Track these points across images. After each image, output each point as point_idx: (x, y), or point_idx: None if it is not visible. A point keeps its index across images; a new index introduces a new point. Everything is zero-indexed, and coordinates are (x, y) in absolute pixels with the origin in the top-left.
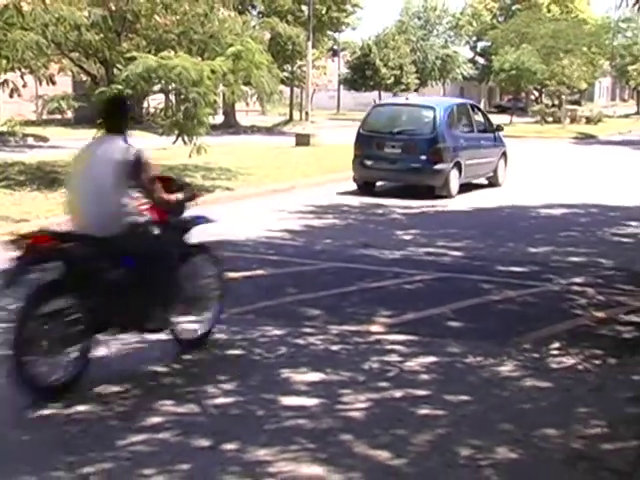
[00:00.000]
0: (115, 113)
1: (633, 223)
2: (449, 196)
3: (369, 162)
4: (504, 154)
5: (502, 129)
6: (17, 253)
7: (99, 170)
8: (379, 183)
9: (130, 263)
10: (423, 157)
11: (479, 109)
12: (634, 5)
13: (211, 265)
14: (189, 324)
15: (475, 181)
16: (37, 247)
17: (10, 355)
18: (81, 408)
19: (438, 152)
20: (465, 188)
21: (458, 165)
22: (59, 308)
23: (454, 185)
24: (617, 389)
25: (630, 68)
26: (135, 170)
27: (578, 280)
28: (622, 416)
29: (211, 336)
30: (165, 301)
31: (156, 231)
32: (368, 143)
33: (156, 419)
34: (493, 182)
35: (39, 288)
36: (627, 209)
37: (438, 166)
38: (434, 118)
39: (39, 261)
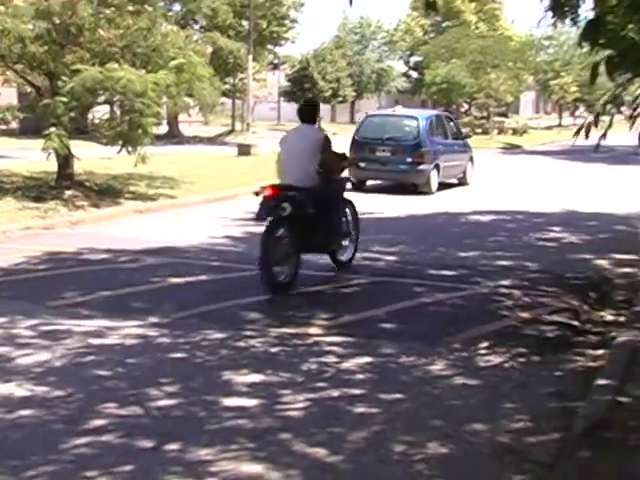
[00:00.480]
0: (311, 111)
1: (556, 228)
2: (430, 192)
3: (363, 164)
4: (471, 158)
5: (470, 137)
6: (261, 199)
7: (302, 146)
8: (369, 182)
9: (320, 206)
10: (409, 159)
11: (451, 120)
12: (552, 24)
13: (352, 214)
14: (343, 250)
15: (447, 180)
16: (273, 195)
17: (260, 262)
18: (25, 413)
19: (421, 155)
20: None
21: (437, 166)
22: (282, 234)
23: (434, 183)
24: (540, 385)
25: (552, 83)
26: (323, 146)
27: (505, 283)
28: (545, 411)
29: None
30: (338, 232)
31: (330, 186)
32: (362, 148)
33: (99, 422)
34: (462, 182)
35: (273, 221)
36: (550, 215)
37: (421, 167)
38: (417, 127)
39: (275, 204)
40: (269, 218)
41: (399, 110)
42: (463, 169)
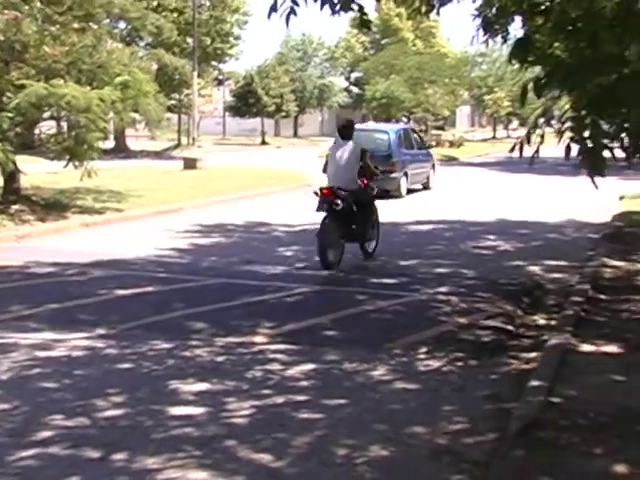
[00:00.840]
0: (348, 130)
1: (491, 236)
2: (400, 196)
3: None
4: (433, 166)
5: (432, 147)
6: (319, 197)
7: (345, 157)
8: None
9: (359, 205)
10: (382, 169)
11: (415, 132)
12: (484, 42)
13: (375, 217)
14: (370, 243)
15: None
16: (328, 194)
17: (318, 246)
18: None
19: (393, 165)
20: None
21: (406, 174)
22: (333, 226)
23: (404, 188)
24: (477, 388)
25: (486, 97)
26: (362, 156)
27: (443, 289)
28: (481, 412)
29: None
30: (372, 226)
31: (366, 191)
32: None
33: (46, 433)
34: (426, 186)
35: (327, 216)
36: (486, 224)
37: (393, 175)
38: (388, 139)
39: (330, 200)
40: (325, 212)
41: (371, 125)
42: (427, 175)
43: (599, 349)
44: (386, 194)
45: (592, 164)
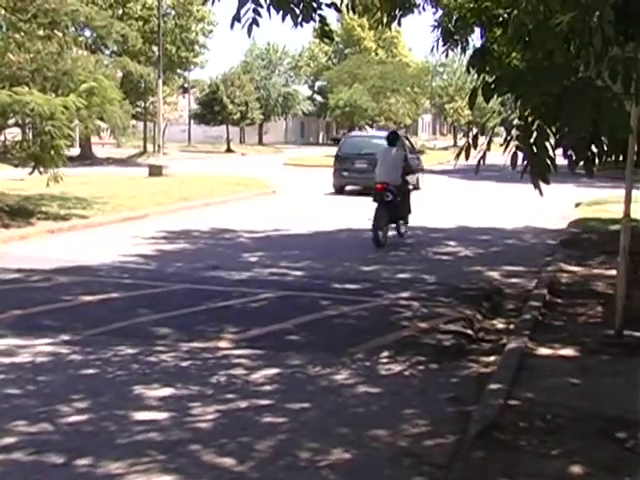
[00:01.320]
0: (393, 138)
1: (451, 243)
2: None
3: (345, 173)
4: (422, 169)
5: (422, 152)
6: (374, 191)
7: (392, 159)
8: (348, 187)
9: (401, 196)
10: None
11: (408, 138)
12: (444, 52)
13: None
14: (403, 226)
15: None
16: (381, 189)
17: (373, 228)
18: None
19: None
20: None
21: None
22: (384, 211)
23: None
24: (438, 391)
25: (447, 106)
26: (404, 158)
27: (405, 295)
28: (442, 415)
29: None
30: (408, 211)
31: (405, 185)
32: (344, 161)
33: (9, 440)
34: (416, 187)
35: (380, 203)
36: (446, 230)
37: None
38: None
39: (383, 192)
40: (378, 200)
41: (370, 131)
42: (417, 177)
43: (556, 352)
44: None
45: (538, 170)
